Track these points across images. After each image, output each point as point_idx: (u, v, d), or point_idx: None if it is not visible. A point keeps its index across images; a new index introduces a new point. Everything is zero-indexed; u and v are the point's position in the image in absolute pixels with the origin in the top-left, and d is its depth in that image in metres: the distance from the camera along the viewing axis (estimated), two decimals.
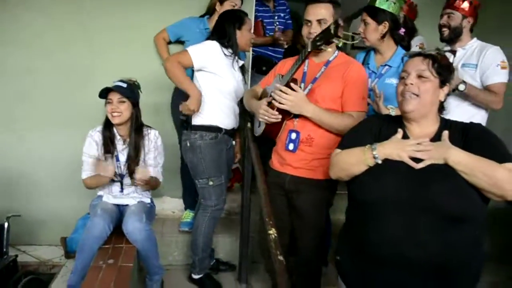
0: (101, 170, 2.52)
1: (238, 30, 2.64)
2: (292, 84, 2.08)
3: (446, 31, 2.71)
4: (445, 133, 1.52)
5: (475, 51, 2.66)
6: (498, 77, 2.57)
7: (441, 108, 1.70)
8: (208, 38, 2.66)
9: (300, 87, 2.14)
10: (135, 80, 2.69)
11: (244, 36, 2.67)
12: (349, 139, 1.79)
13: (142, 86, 2.72)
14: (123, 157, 2.65)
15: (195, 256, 2.79)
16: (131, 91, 2.59)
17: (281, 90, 2.07)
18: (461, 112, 2.68)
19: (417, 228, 1.45)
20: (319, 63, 2.23)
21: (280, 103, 2.09)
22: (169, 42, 3.32)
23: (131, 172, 2.63)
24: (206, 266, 2.87)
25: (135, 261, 2.45)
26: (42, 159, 3.44)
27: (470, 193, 1.45)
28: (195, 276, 2.87)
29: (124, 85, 2.57)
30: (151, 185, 2.66)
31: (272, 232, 1.95)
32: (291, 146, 2.22)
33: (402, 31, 2.53)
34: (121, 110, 2.54)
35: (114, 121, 2.56)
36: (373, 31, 2.47)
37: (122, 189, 2.70)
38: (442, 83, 1.63)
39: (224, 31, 2.63)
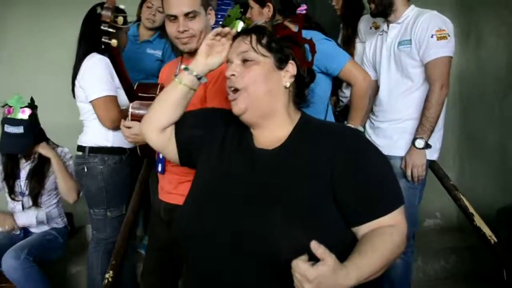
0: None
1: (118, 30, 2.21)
2: (123, 121, 1.76)
3: (372, 6, 2.17)
4: (317, 250, 0.89)
5: (410, 23, 2.11)
6: (435, 50, 2.00)
7: (300, 96, 1.22)
8: (83, 46, 2.21)
9: None
10: (26, 104, 2.40)
11: (122, 39, 2.18)
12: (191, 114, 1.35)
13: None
14: (24, 173, 2.52)
15: None
16: (29, 133, 2.38)
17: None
18: (401, 103, 2.15)
19: (247, 281, 1.04)
20: (190, 60, 1.77)
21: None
22: None
23: (31, 190, 2.49)
24: None
25: None
26: None
27: (322, 231, 1.02)
28: None
29: (19, 130, 2.34)
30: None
31: (108, 275, 1.55)
32: (159, 167, 1.80)
33: (302, 9, 2.04)
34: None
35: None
36: (258, 15, 2.08)
37: (23, 208, 2.52)
38: (281, 62, 1.16)
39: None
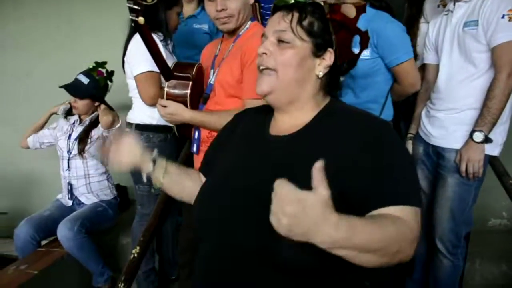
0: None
1: (168, 11, 2.23)
2: (160, 100, 1.76)
3: None
4: (317, 174, 0.75)
5: (479, 1, 1.87)
6: (505, 33, 1.76)
7: (332, 85, 1.12)
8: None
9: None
10: (105, 69, 2.64)
11: (171, 19, 2.26)
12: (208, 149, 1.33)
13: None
14: (75, 134, 2.66)
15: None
16: (90, 88, 2.56)
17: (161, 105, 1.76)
18: (461, 91, 1.94)
19: (247, 279, 0.98)
20: (230, 40, 1.77)
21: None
22: None
23: (79, 140, 2.64)
24: (153, 279, 2.53)
25: (58, 266, 2.38)
26: (44, 157, 3.46)
27: None
28: None
29: (85, 80, 2.55)
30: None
31: (135, 251, 1.57)
32: (194, 147, 1.82)
33: None
34: (77, 105, 2.63)
35: (74, 112, 2.71)
36: None
37: (68, 167, 2.64)
38: (318, 49, 1.06)
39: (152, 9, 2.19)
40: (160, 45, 2.12)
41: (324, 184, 0.73)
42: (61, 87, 2.57)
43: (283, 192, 0.73)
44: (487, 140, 1.83)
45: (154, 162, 1.21)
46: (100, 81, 2.61)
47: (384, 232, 0.80)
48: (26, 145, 2.81)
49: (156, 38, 2.10)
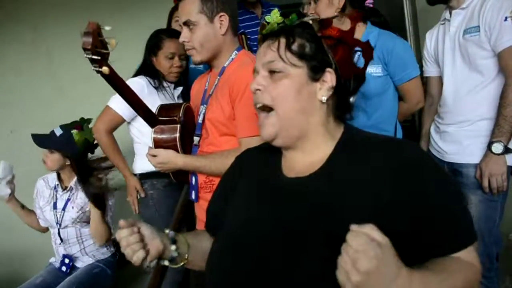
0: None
1: (154, 57, 2.20)
2: (149, 150, 1.62)
3: None
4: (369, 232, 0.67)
5: (477, 6, 1.79)
6: (510, 36, 1.66)
7: (342, 108, 0.99)
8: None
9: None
10: (82, 124, 2.40)
11: (161, 64, 2.20)
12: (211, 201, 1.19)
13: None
14: (61, 203, 2.39)
15: None
16: (61, 140, 2.30)
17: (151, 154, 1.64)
18: (470, 102, 1.83)
19: None
20: (216, 73, 1.64)
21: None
22: None
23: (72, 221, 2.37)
24: None
25: None
26: None
27: None
28: None
29: (58, 132, 2.32)
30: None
31: None
32: (193, 195, 1.67)
33: (369, 1, 1.86)
34: (46, 160, 2.35)
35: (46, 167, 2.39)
36: (327, 7, 1.83)
37: (61, 239, 2.39)
38: (315, 72, 0.94)
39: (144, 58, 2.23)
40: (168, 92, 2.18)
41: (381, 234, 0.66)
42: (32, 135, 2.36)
43: (358, 245, 0.65)
44: (507, 150, 1.71)
45: (174, 242, 0.99)
46: (75, 135, 2.34)
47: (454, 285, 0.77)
48: (45, 229, 2.54)
49: (142, 81, 2.10)
